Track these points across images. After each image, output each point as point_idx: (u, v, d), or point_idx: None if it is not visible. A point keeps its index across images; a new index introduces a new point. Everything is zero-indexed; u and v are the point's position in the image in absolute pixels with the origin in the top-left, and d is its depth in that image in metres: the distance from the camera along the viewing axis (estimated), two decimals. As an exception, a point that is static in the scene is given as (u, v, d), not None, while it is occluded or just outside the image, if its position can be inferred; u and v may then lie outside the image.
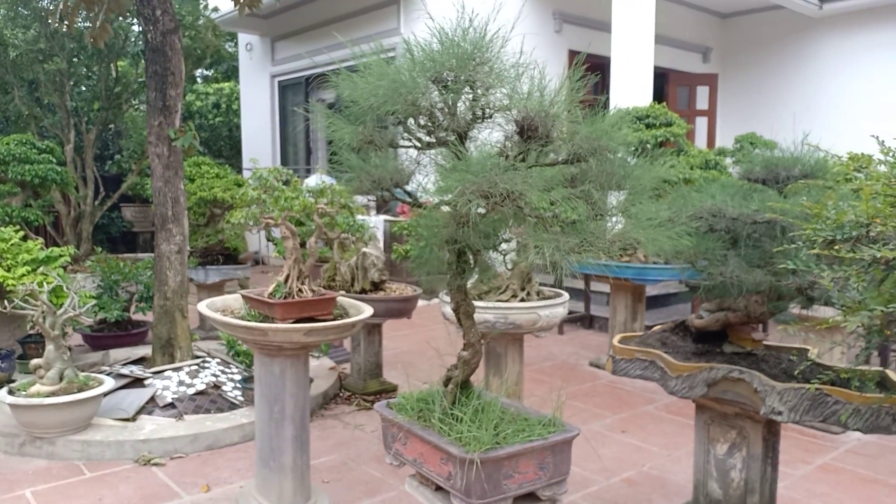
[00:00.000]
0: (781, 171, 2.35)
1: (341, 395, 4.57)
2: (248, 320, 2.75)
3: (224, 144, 13.94)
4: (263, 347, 2.73)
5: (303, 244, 3.17)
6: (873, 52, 9.49)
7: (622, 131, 1.76)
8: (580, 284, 6.94)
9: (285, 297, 2.77)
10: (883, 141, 1.95)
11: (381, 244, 7.24)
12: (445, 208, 2.03)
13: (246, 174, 10.70)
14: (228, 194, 5.76)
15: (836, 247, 1.39)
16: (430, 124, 1.81)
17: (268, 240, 5.67)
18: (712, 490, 2.84)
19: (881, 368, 2.48)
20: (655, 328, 3.02)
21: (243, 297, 2.93)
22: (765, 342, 2.76)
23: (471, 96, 1.78)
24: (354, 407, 4.34)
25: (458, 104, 1.83)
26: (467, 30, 1.82)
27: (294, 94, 11.06)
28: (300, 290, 2.82)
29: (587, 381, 5.05)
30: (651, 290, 6.55)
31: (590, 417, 4.26)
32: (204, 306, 2.89)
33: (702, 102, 10.54)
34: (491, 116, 1.79)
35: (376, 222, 7.58)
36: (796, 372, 2.44)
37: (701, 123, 10.57)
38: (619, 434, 3.98)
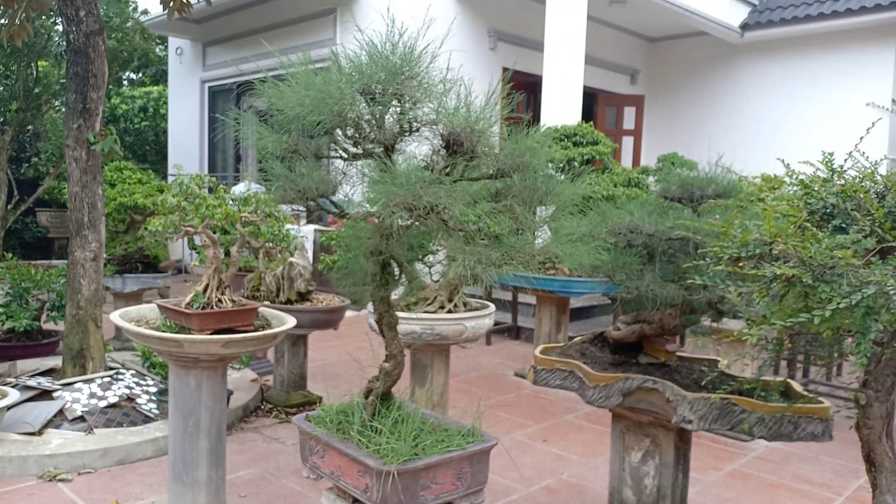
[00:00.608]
0: (696, 191, 2.45)
1: (263, 407, 4.48)
2: (164, 331, 2.67)
3: (150, 149, 13.50)
4: (179, 359, 2.66)
5: (227, 253, 3.10)
6: (790, 79, 10.03)
7: (549, 149, 1.80)
8: (509, 296, 7.04)
9: (203, 308, 2.70)
10: (788, 164, 2.07)
11: (311, 254, 7.15)
12: (372, 219, 2.03)
13: (171, 180, 10.40)
14: (150, 200, 5.59)
15: (741, 263, 1.46)
16: (356, 135, 1.81)
17: (190, 248, 5.52)
18: (627, 497, 2.92)
19: (785, 379, 2.61)
20: (575, 339, 3.10)
21: (159, 307, 2.84)
22: (678, 353, 2.87)
23: (398, 109, 1.79)
24: (276, 420, 4.25)
25: (386, 117, 1.83)
26: (397, 44, 1.83)
27: (224, 100, 10.84)
28: (219, 301, 2.75)
29: (512, 391, 5.11)
30: (575, 303, 6.70)
31: (512, 427, 4.31)
32: (117, 316, 2.79)
33: (628, 122, 10.90)
34: (418, 130, 1.81)
35: (306, 232, 7.48)
36: (704, 382, 2.54)
37: (627, 143, 10.93)
38: (540, 443, 4.04)
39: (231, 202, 2.87)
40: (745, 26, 10.06)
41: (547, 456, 3.85)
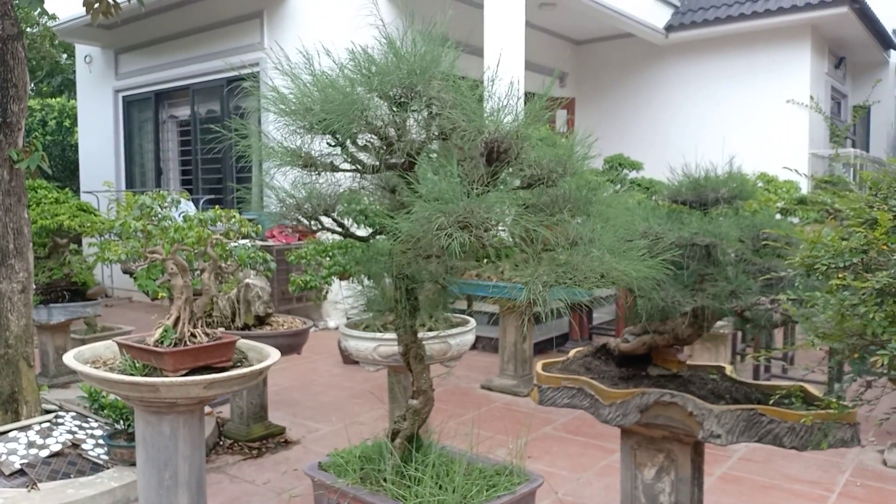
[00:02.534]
0: (710, 193, 2.33)
1: (222, 443, 4.12)
2: (130, 373, 2.34)
3: (55, 166, 12.60)
4: (151, 405, 2.33)
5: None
6: (713, 79, 10.32)
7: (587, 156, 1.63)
8: (462, 305, 6.85)
9: (175, 345, 2.39)
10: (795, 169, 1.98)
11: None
12: (381, 238, 1.80)
13: (86, 198, 9.68)
14: (76, 222, 5.08)
15: (841, 275, 1.33)
16: (378, 145, 1.58)
17: (124, 272, 5.05)
18: (640, 517, 2.78)
19: (799, 382, 2.53)
20: (576, 352, 2.94)
21: (120, 345, 2.50)
22: (687, 363, 2.76)
23: (425, 114, 1.57)
24: (240, 457, 3.91)
25: (409, 122, 1.61)
26: (415, 41, 1.61)
27: (141, 110, 10.20)
28: (193, 335, 2.44)
29: (482, 404, 4.93)
30: (532, 309, 6.58)
31: (494, 445, 4.12)
32: (71, 358, 2.43)
33: (560, 125, 10.95)
34: (447, 137, 1.59)
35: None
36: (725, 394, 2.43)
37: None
38: (526, 461, 3.86)
39: (198, 222, 2.56)
40: (669, 27, 10.28)
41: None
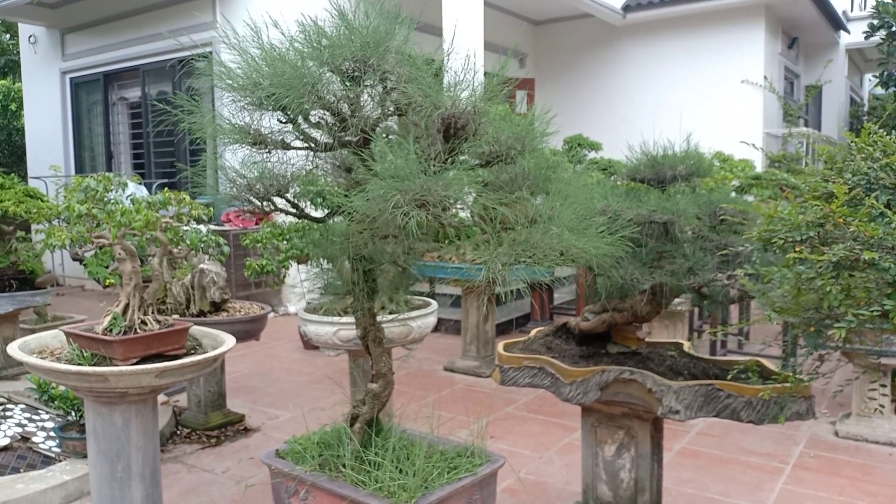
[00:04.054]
0: (668, 171, 2.33)
1: (179, 432, 4.03)
2: (78, 363, 2.25)
3: (1, 151, 12.16)
4: (101, 395, 2.25)
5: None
6: (669, 59, 10.40)
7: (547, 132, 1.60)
8: (423, 288, 6.83)
9: (125, 333, 2.30)
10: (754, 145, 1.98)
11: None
12: (339, 219, 1.75)
13: (34, 183, 9.34)
14: (22, 208, 4.88)
15: (798, 248, 1.33)
16: (331, 121, 1.52)
17: (74, 259, 4.88)
18: (602, 493, 2.80)
19: (755, 357, 2.57)
20: (537, 332, 2.93)
21: (67, 334, 2.40)
22: (646, 340, 2.78)
23: (381, 89, 1.52)
24: (198, 445, 3.83)
25: (363, 98, 1.56)
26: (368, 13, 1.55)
27: (90, 92, 9.85)
28: (143, 323, 2.36)
29: (445, 386, 4.93)
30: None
31: (456, 426, 4.09)
32: (16, 349, 2.33)
33: (521, 106, 10.93)
34: (404, 113, 1.54)
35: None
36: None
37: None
38: (488, 441, 3.86)
39: (146, 205, 2.47)
40: (626, 8, 10.31)
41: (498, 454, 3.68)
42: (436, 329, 6.71)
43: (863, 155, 1.44)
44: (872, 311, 1.21)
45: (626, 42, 10.74)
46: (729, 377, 2.21)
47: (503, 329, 6.54)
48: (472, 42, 7.27)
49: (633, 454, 2.72)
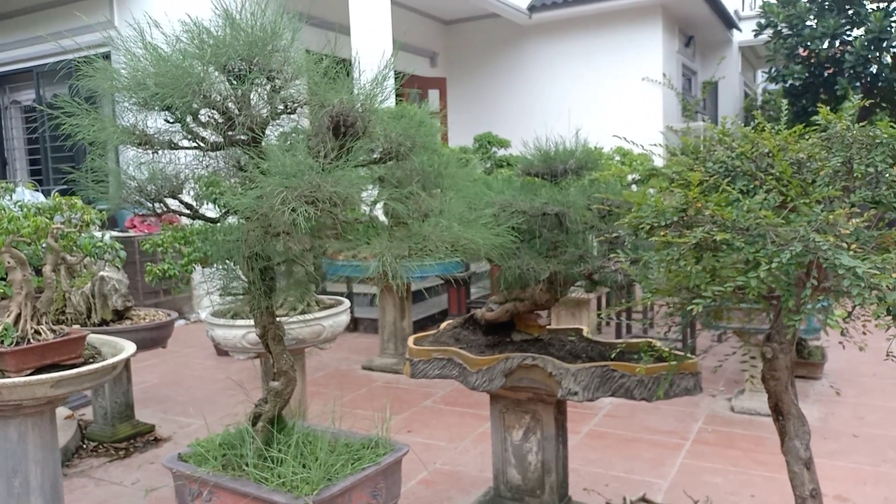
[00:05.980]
0: (559, 165, 2.44)
1: (85, 446, 3.89)
2: (-33, 377, 2.16)
3: None
4: (-8, 409, 2.17)
5: (38, 272, 2.58)
6: (574, 58, 10.73)
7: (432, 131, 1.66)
8: (341, 288, 6.81)
9: (17, 343, 2.23)
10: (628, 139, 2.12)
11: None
12: (232, 220, 1.76)
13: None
14: None
15: (663, 233, 1.44)
16: (218, 121, 1.53)
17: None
18: (512, 477, 2.90)
19: (648, 339, 2.72)
20: (446, 325, 3.00)
21: (-46, 348, 2.29)
22: (548, 327, 2.90)
23: (269, 88, 1.54)
24: (105, 459, 3.71)
25: (252, 97, 1.57)
26: (254, 14, 1.57)
27: (-22, 96, 9.29)
28: (37, 332, 2.29)
29: (363, 385, 4.94)
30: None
31: (373, 423, 4.15)
32: None
33: (434, 104, 11.03)
34: (294, 111, 1.57)
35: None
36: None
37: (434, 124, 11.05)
38: (405, 435, 3.93)
39: (35, 211, 2.37)
40: (532, 8, 10.57)
41: (415, 447, 3.72)
42: (354, 329, 6.74)
43: (724, 145, 1.58)
44: (726, 287, 1.33)
45: (533, 41, 11.01)
46: (612, 356, 2.35)
47: (422, 325, 6.60)
48: (380, 41, 7.29)
49: (539, 437, 2.83)
